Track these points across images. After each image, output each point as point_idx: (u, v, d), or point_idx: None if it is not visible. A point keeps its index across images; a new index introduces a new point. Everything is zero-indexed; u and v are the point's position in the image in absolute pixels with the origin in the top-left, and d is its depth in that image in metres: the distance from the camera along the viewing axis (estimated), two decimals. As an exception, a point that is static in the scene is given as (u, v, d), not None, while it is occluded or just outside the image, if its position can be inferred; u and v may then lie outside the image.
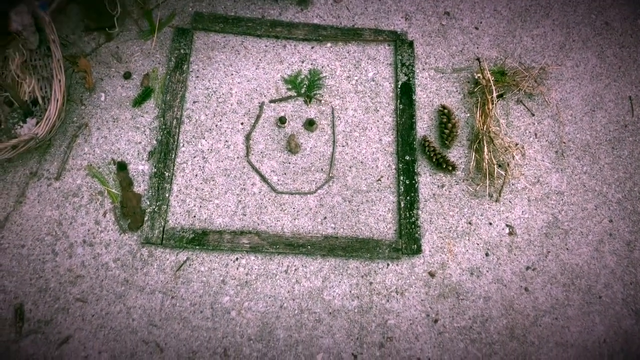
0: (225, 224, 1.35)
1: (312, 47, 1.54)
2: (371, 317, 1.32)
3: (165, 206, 1.33)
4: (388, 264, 1.37)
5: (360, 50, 1.56)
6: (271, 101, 1.47)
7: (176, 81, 1.44)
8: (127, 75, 1.44)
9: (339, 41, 1.56)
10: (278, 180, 1.40)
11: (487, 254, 1.41)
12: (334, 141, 1.45)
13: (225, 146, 1.42)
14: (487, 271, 1.39)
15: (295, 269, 1.34)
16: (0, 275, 1.26)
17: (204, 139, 1.42)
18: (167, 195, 1.34)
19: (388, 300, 1.34)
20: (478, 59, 1.58)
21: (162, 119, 1.40)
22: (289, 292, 1.32)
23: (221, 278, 1.31)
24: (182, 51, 1.47)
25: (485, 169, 1.42)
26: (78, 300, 1.26)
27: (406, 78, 1.52)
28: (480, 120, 1.47)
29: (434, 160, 1.43)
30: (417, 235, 1.37)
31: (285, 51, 1.53)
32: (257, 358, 1.26)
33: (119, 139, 1.39)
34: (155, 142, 1.40)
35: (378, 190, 1.43)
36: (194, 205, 1.35)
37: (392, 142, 1.47)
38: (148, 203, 1.33)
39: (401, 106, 1.49)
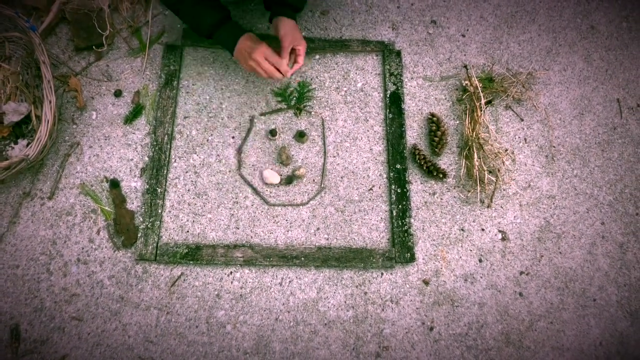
0: (219, 238, 1.36)
1: (301, 60, 1.56)
2: (367, 327, 1.32)
3: (159, 222, 1.33)
4: (382, 273, 1.37)
5: (349, 61, 1.58)
6: (261, 114, 1.48)
7: (166, 97, 1.45)
8: (118, 93, 1.45)
9: (327, 53, 1.58)
10: (270, 192, 1.41)
11: (480, 260, 1.41)
12: (324, 152, 1.46)
13: (217, 160, 1.43)
14: (481, 277, 1.40)
15: (290, 281, 1.34)
16: (-5, 296, 1.27)
17: (195, 154, 1.43)
18: (160, 211, 1.34)
19: (383, 310, 1.34)
20: (465, 67, 1.59)
21: (153, 135, 1.41)
22: (283, 304, 1.32)
23: (216, 292, 1.31)
24: (171, 67, 1.48)
25: (476, 176, 1.43)
26: (74, 318, 1.26)
27: (395, 87, 1.53)
28: (469, 127, 1.48)
29: (425, 168, 1.44)
30: (410, 243, 1.38)
31: (274, 64, 1.54)
32: (254, 371, 1.27)
33: (111, 156, 1.40)
34: (147, 158, 1.41)
35: (370, 199, 1.43)
36: (187, 220, 1.36)
37: (383, 152, 1.48)
38: (141, 219, 1.34)
39: (390, 115, 1.50)
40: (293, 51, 1.34)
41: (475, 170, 1.43)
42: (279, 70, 1.31)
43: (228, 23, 1.31)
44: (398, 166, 1.44)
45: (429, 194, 1.46)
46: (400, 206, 1.41)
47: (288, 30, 1.31)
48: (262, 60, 1.27)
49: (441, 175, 1.44)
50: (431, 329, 1.34)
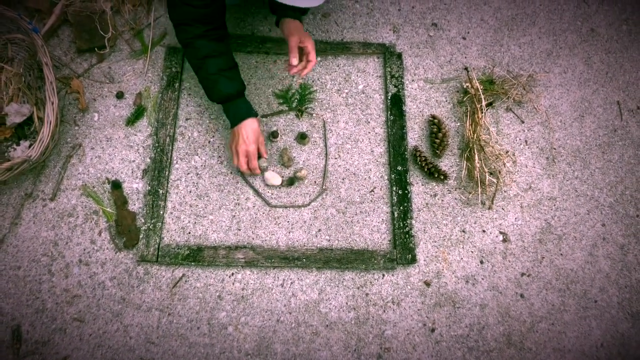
0: (220, 240, 1.36)
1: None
2: (368, 329, 1.32)
3: (160, 223, 1.34)
4: (383, 275, 1.37)
5: (350, 63, 1.58)
6: (263, 116, 1.49)
7: (168, 99, 1.45)
8: (120, 95, 1.46)
9: (328, 55, 1.58)
10: (272, 194, 1.41)
11: (481, 262, 1.41)
12: (326, 154, 1.47)
13: (219, 162, 1.43)
14: (482, 279, 1.40)
15: (291, 283, 1.34)
16: (-3, 298, 1.26)
17: (197, 155, 1.43)
18: (161, 212, 1.35)
19: (384, 311, 1.34)
20: (466, 69, 1.60)
21: (155, 137, 1.41)
22: (285, 305, 1.32)
23: (217, 294, 1.31)
24: (173, 69, 1.49)
25: (477, 177, 1.44)
26: (75, 320, 1.26)
27: (396, 89, 1.54)
28: (470, 129, 1.49)
29: (426, 170, 1.44)
30: (411, 244, 1.38)
31: (276, 66, 1.55)
32: (255, 373, 1.27)
33: (112, 158, 1.40)
34: (149, 160, 1.41)
35: (371, 201, 1.44)
36: (189, 222, 1.36)
37: (384, 153, 1.49)
38: (143, 221, 1.34)
39: (392, 117, 1.51)
40: (301, 50, 1.34)
41: (476, 172, 1.44)
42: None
43: (241, 99, 1.33)
44: (399, 168, 1.45)
45: (430, 195, 1.46)
46: (401, 208, 1.41)
47: (293, 30, 1.31)
48: (242, 157, 1.32)
49: (442, 177, 1.44)
50: (432, 330, 1.34)
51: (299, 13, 1.36)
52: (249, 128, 1.31)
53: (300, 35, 1.31)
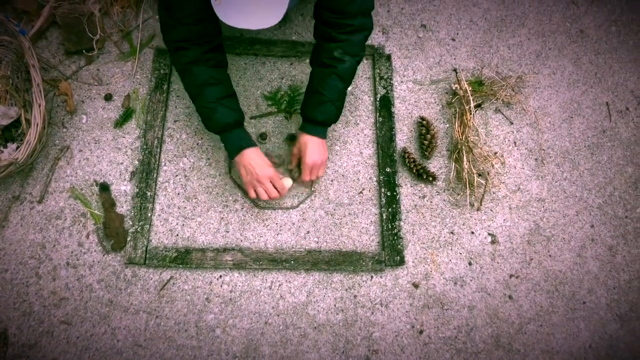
0: (208, 242, 1.35)
1: (291, 64, 1.56)
2: (356, 331, 1.32)
3: (148, 226, 1.33)
4: (372, 277, 1.37)
5: (339, 65, 1.58)
6: (252, 118, 1.48)
7: (157, 101, 1.45)
8: (108, 97, 1.45)
9: (317, 57, 1.58)
10: (260, 196, 1.41)
11: (470, 263, 1.42)
12: (315, 156, 1.47)
13: (207, 164, 1.43)
14: (471, 280, 1.40)
15: (280, 285, 1.34)
16: (-16, 301, 1.26)
17: (185, 157, 1.43)
18: (149, 214, 1.34)
19: (373, 313, 1.34)
20: (455, 70, 1.60)
21: (143, 139, 1.41)
22: (273, 308, 1.32)
23: (205, 296, 1.31)
24: (162, 71, 1.48)
25: (466, 179, 1.44)
26: (62, 322, 1.26)
27: (385, 91, 1.54)
28: (459, 130, 1.49)
29: (415, 171, 1.44)
30: (399, 246, 1.38)
31: (265, 68, 1.55)
32: (243, 375, 1.27)
33: (101, 160, 1.40)
34: (137, 162, 1.40)
35: (360, 202, 1.44)
36: (177, 224, 1.36)
37: (373, 155, 1.49)
38: (131, 223, 1.33)
39: (380, 119, 1.51)
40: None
41: (464, 174, 1.44)
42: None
43: (239, 129, 1.28)
44: (388, 169, 1.45)
45: (419, 197, 1.46)
46: (390, 209, 1.41)
47: (299, 146, 1.33)
48: (268, 184, 1.26)
49: (431, 179, 1.44)
50: (421, 332, 1.34)
51: (316, 125, 1.31)
52: (255, 155, 1.26)
53: (313, 161, 1.31)
